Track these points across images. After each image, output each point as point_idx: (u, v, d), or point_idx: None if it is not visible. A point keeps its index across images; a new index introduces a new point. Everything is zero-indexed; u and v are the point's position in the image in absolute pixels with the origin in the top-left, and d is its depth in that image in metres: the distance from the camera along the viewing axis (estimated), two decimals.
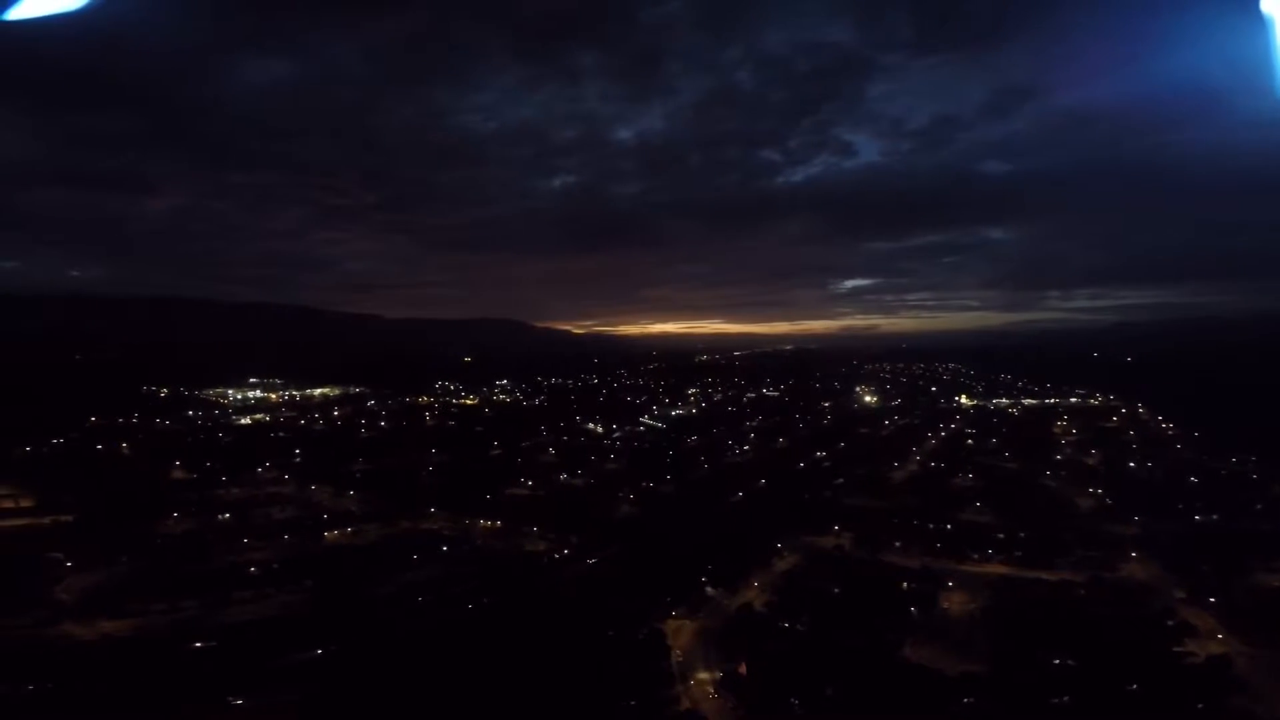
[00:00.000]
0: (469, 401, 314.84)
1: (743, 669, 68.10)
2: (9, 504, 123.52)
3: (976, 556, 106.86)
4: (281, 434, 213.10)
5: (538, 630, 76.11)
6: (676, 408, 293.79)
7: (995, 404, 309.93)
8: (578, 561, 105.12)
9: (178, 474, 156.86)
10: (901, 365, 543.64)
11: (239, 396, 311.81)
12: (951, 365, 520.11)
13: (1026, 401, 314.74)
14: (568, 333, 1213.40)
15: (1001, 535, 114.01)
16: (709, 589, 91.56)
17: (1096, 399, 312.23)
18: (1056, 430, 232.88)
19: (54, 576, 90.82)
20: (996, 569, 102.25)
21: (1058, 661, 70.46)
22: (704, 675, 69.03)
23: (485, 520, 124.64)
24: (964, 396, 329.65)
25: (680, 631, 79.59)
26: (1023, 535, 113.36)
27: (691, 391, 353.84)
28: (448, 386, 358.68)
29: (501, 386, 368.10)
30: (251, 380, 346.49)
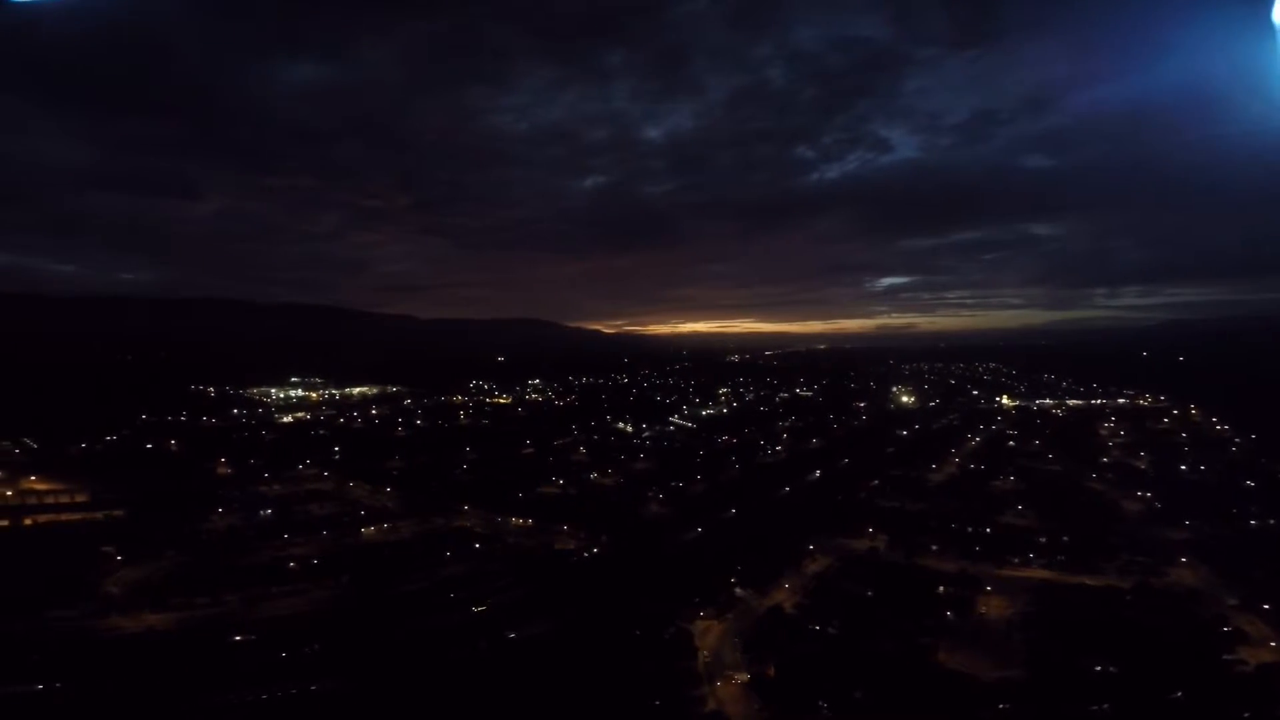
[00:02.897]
0: (502, 400, 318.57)
1: (771, 671, 67.40)
2: (65, 499, 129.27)
3: (1017, 561, 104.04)
4: (321, 432, 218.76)
5: (565, 628, 76.63)
6: (707, 408, 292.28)
7: (1038, 405, 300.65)
8: (606, 560, 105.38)
9: (223, 470, 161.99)
10: (940, 365, 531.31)
11: (281, 395, 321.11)
12: (992, 365, 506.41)
13: (1071, 402, 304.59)
14: (598, 332, 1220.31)
15: (1043, 539, 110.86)
16: (738, 590, 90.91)
17: (1146, 400, 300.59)
18: (1103, 432, 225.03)
19: (105, 570, 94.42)
20: (1038, 574, 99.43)
21: (1099, 668, 68.15)
22: (731, 676, 68.49)
23: (517, 518, 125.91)
24: (1005, 397, 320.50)
25: (708, 632, 79.15)
26: (1066, 539, 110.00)
27: (722, 391, 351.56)
28: (481, 386, 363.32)
29: (533, 386, 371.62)
30: (293, 379, 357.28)
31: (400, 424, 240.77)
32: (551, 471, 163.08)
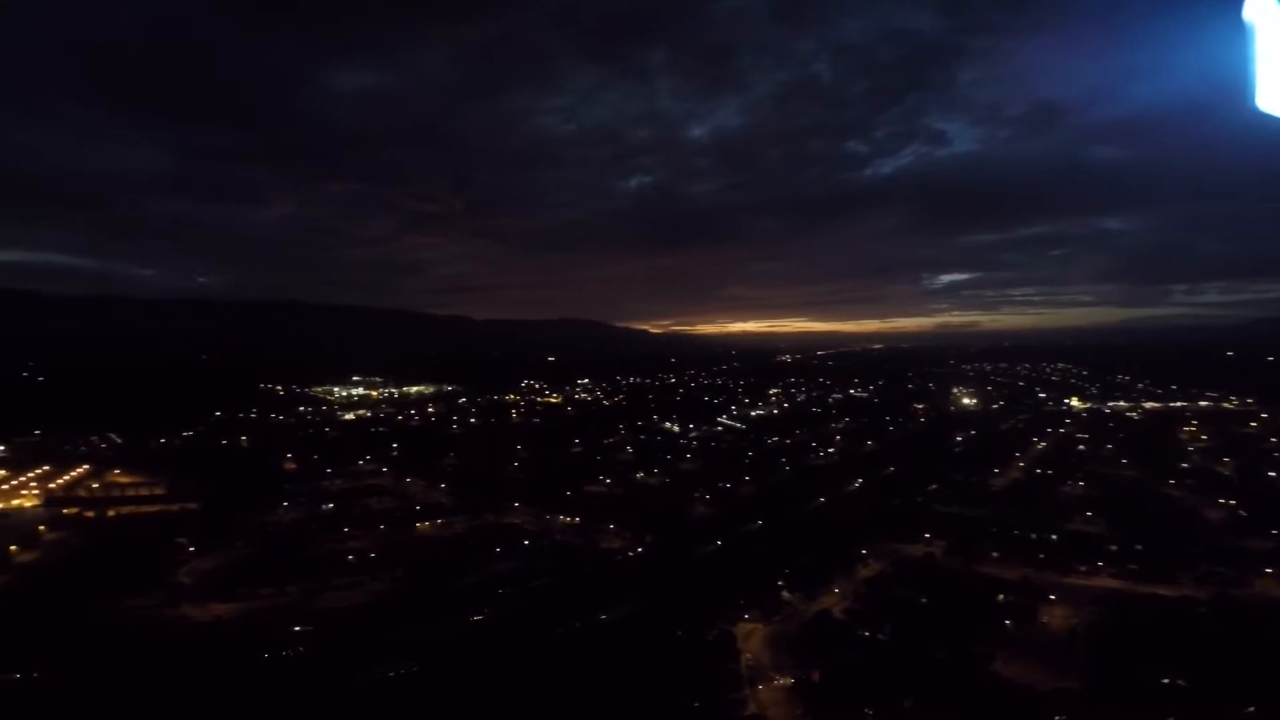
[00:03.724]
0: (552, 400, 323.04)
1: (816, 676, 65.91)
2: (145, 491, 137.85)
3: (1084, 569, 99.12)
4: (380, 429, 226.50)
5: (607, 626, 76.85)
6: (756, 408, 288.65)
7: (1111, 407, 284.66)
8: (650, 560, 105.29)
9: (289, 465, 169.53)
10: (1004, 365, 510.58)
11: (344, 393, 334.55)
12: (1061, 365, 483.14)
13: (1148, 404, 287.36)
14: (646, 332, 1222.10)
15: (1114, 547, 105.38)
16: (785, 593, 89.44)
17: (1231, 402, 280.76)
18: (1183, 436, 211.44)
19: (178, 560, 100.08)
20: (1106, 583, 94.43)
21: (1166, 681, 64.17)
22: (774, 680, 67.34)
23: (565, 516, 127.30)
24: (1075, 399, 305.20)
25: (752, 635, 78.11)
26: (1139, 548, 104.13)
27: (773, 392, 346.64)
28: (532, 385, 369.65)
29: (583, 385, 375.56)
30: (355, 378, 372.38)
31: (455, 422, 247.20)
32: (599, 470, 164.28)
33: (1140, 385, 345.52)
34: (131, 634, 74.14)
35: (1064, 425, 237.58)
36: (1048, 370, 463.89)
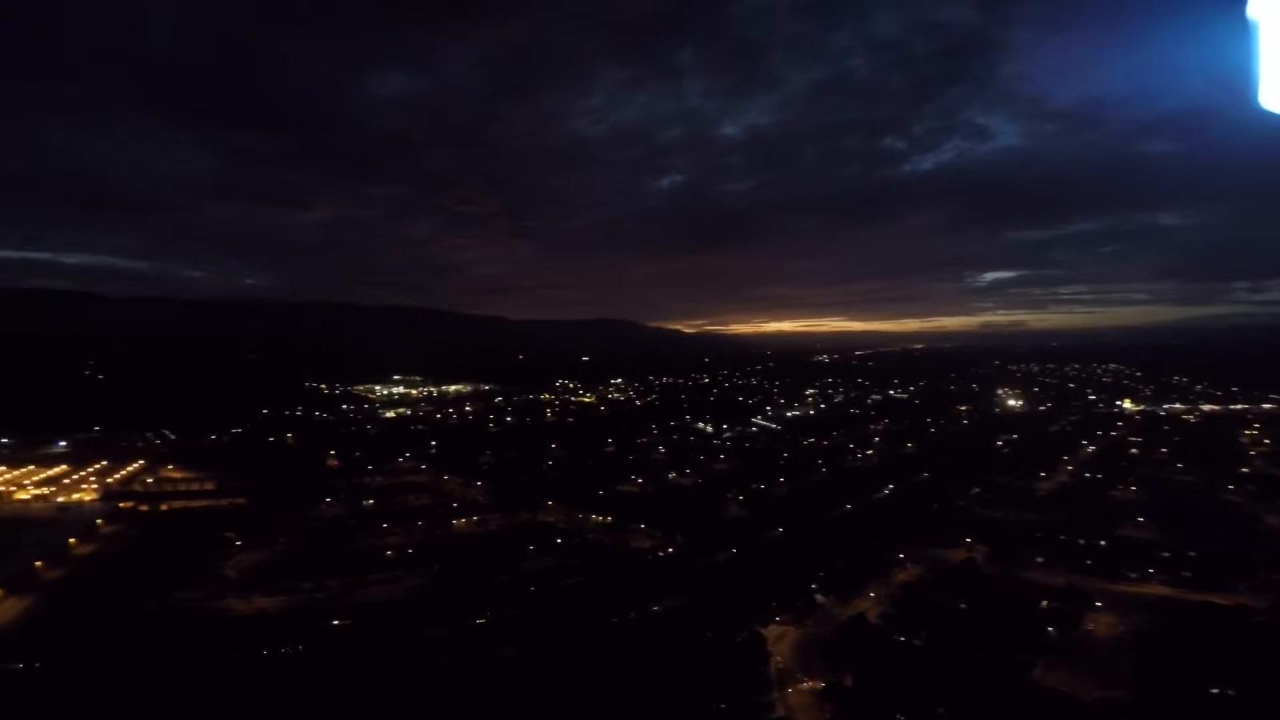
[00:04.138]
0: (586, 399, 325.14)
1: (848, 680, 64.75)
2: (196, 486, 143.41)
3: (1134, 576, 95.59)
4: (420, 427, 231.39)
5: (633, 626, 76.84)
6: (792, 409, 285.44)
7: (1167, 409, 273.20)
8: (681, 560, 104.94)
9: (332, 462, 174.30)
10: (1052, 366, 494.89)
11: (385, 392, 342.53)
12: (1113, 366, 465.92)
13: (1206, 407, 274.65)
14: (679, 332, 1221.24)
15: (1167, 554, 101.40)
16: (819, 596, 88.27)
17: None
18: (1244, 440, 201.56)
19: (226, 554, 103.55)
20: (1157, 590, 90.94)
21: (1215, 691, 61.29)
22: (804, 684, 66.32)
23: (597, 515, 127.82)
24: (1128, 401, 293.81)
25: (783, 637, 77.19)
26: (1193, 554, 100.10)
27: (809, 392, 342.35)
28: (566, 384, 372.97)
29: (615, 385, 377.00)
30: (395, 377, 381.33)
31: (491, 421, 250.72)
32: (631, 470, 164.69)
33: (1198, 387, 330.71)
34: (178, 626, 76.91)
35: (1115, 428, 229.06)
36: (1098, 371, 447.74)
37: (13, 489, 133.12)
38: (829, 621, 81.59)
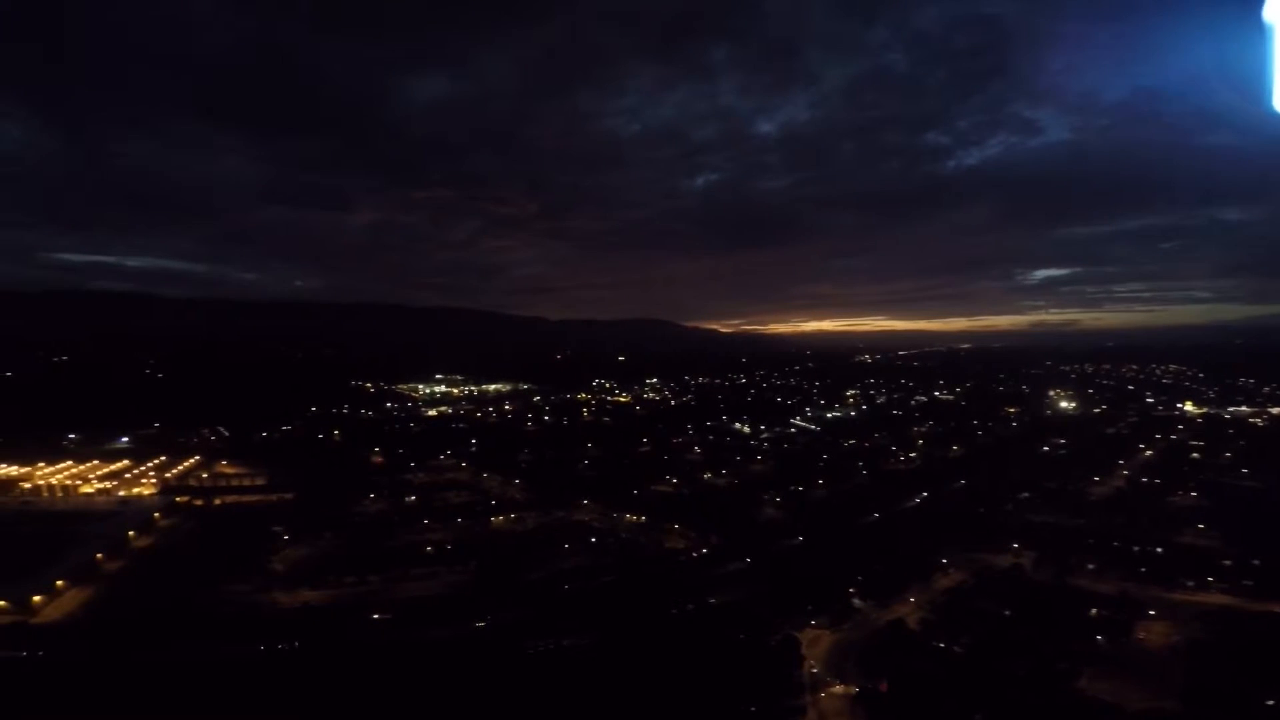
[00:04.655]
0: (621, 399, 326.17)
1: (883, 686, 63.25)
2: (248, 482, 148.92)
3: (1191, 584, 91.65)
4: (461, 425, 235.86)
5: (666, 627, 76.54)
6: (832, 410, 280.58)
7: (1232, 412, 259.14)
8: (715, 561, 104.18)
9: (377, 459, 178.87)
10: (1108, 366, 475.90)
11: (427, 391, 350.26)
12: (1173, 367, 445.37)
13: (1276, 410, 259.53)
14: (715, 332, 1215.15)
15: (1228, 562, 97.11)
16: (856, 600, 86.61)
17: None
18: None
19: (274, 548, 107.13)
20: (1216, 599, 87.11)
21: (1270, 703, 58.19)
22: (838, 689, 65.10)
23: (631, 514, 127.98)
24: (1190, 403, 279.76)
25: (818, 641, 75.94)
26: (1256, 563, 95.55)
27: (850, 393, 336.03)
28: (603, 384, 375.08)
29: (651, 385, 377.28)
30: (438, 376, 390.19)
31: (529, 419, 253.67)
32: (666, 470, 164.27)
33: (1266, 389, 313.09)
34: (227, 619, 79.71)
35: (1176, 431, 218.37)
36: (1158, 372, 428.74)
37: (78, 483, 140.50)
38: (866, 627, 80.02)
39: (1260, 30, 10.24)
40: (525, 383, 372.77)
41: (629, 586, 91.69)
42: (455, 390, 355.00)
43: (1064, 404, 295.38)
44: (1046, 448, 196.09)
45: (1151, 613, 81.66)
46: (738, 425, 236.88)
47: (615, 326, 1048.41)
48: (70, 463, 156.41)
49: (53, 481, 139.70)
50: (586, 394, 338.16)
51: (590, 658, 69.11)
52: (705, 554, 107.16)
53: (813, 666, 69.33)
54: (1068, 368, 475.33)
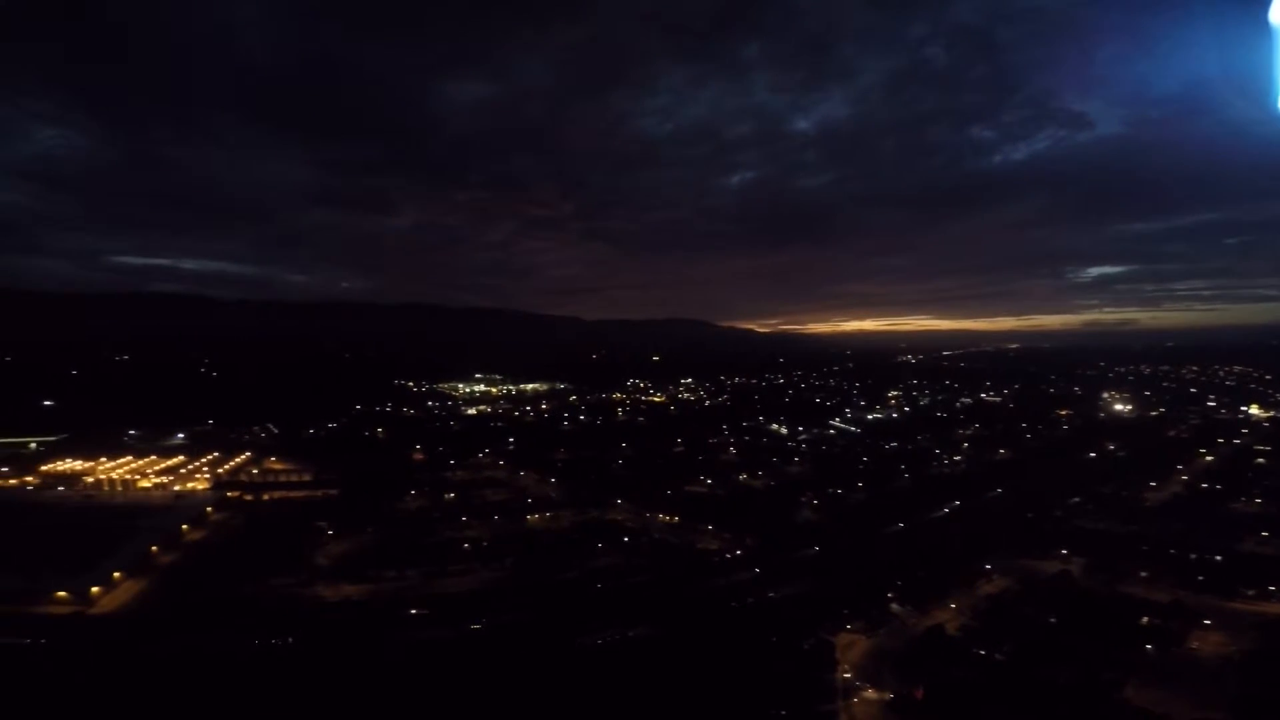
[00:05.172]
0: (656, 399, 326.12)
1: (919, 693, 61.67)
2: (295, 478, 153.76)
3: (1252, 593, 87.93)
4: (499, 424, 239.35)
5: (696, 628, 76.16)
6: (873, 411, 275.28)
7: None
8: (749, 562, 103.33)
9: (418, 456, 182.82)
10: (1166, 368, 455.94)
11: (467, 390, 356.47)
12: (1237, 368, 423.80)
13: None
14: (752, 332, 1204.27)
15: None
16: (894, 605, 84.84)
17: None
18: None
19: (318, 543, 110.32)
20: (1277, 609, 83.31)
21: None
22: (871, 694, 63.76)
23: (664, 515, 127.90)
24: (1255, 406, 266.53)
25: (853, 646, 74.66)
26: None
27: (892, 394, 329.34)
28: (637, 384, 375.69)
29: (686, 385, 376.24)
30: (477, 376, 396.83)
31: (565, 419, 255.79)
32: (701, 470, 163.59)
33: None
34: (270, 611, 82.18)
35: (1239, 435, 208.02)
36: (1221, 374, 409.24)
37: (137, 478, 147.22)
38: (904, 632, 78.43)
39: None
40: (561, 382, 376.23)
41: (660, 587, 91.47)
42: (494, 389, 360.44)
43: (1119, 407, 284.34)
44: (1100, 452, 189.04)
45: (1207, 622, 78.38)
46: (774, 426, 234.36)
47: (650, 326, 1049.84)
48: (130, 458, 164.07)
49: (113, 476, 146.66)
50: (621, 394, 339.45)
51: (618, 658, 69.25)
52: (739, 555, 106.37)
53: (847, 671, 68.07)
54: (1123, 369, 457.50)
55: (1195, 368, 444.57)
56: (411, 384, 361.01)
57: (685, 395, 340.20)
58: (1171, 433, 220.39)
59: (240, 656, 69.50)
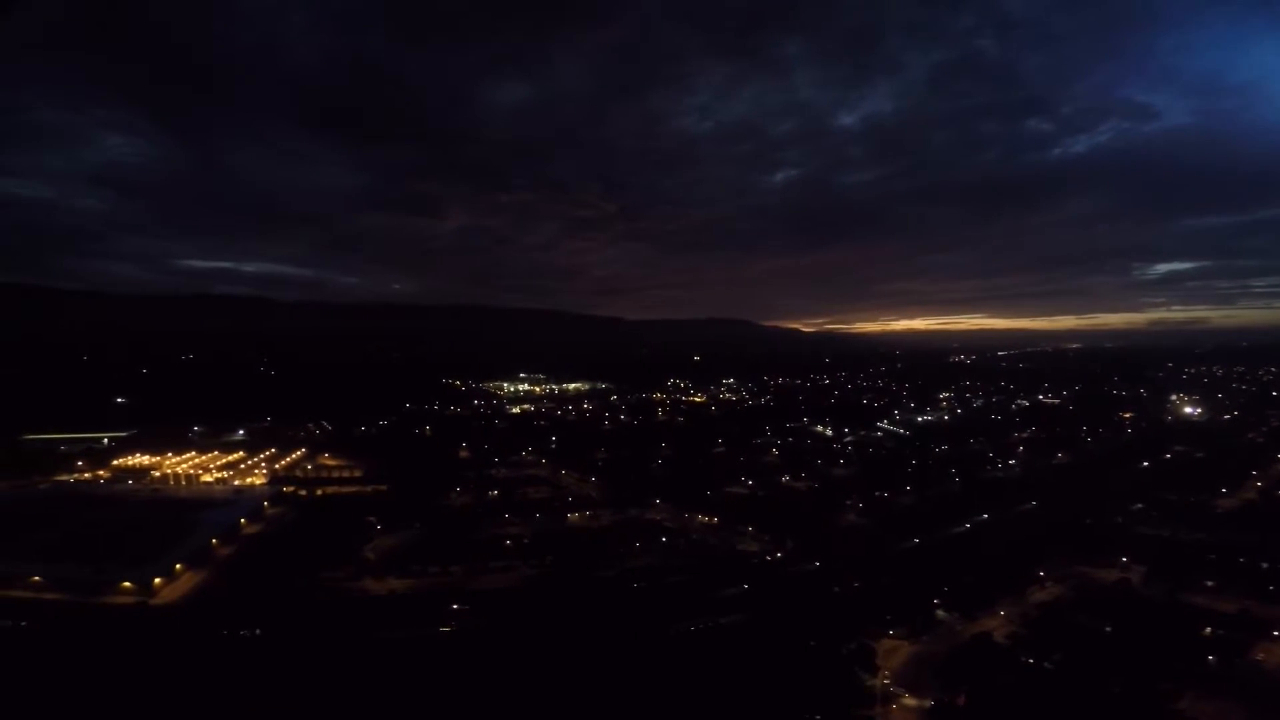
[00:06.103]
0: (697, 399, 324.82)
1: (961, 700, 59.84)
2: (346, 474, 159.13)
3: None
4: (542, 423, 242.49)
5: (733, 631, 75.71)
6: (923, 413, 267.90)
7: None
8: (790, 565, 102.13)
9: (464, 454, 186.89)
10: (1241, 369, 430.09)
11: (512, 389, 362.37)
12: None
13: None
14: (796, 331, 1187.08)
15: None
16: (940, 611, 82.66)
17: None
18: None
19: (367, 537, 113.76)
20: None
21: None
22: (910, 701, 62.29)
23: (703, 515, 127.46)
24: None
25: (894, 652, 73.09)
26: None
27: (943, 396, 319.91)
28: (678, 384, 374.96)
29: (727, 385, 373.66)
30: (521, 375, 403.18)
31: (607, 418, 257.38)
32: (741, 471, 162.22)
33: None
34: (321, 604, 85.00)
35: None
36: None
37: (200, 472, 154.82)
38: (948, 639, 76.42)
39: None
40: (603, 382, 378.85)
41: (698, 588, 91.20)
42: (537, 388, 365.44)
43: (1188, 409, 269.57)
44: (1166, 456, 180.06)
45: (1276, 634, 74.23)
46: (819, 428, 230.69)
47: (692, 326, 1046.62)
48: (194, 453, 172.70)
49: (179, 470, 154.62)
50: (662, 394, 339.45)
51: (654, 657, 69.24)
52: (780, 558, 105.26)
53: (886, 676, 66.63)
54: (1193, 370, 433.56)
55: (1274, 369, 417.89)
56: (459, 383, 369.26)
57: (727, 395, 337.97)
58: (1244, 438, 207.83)
59: (283, 648, 71.96)
